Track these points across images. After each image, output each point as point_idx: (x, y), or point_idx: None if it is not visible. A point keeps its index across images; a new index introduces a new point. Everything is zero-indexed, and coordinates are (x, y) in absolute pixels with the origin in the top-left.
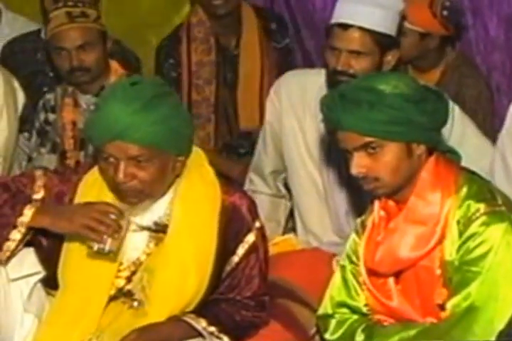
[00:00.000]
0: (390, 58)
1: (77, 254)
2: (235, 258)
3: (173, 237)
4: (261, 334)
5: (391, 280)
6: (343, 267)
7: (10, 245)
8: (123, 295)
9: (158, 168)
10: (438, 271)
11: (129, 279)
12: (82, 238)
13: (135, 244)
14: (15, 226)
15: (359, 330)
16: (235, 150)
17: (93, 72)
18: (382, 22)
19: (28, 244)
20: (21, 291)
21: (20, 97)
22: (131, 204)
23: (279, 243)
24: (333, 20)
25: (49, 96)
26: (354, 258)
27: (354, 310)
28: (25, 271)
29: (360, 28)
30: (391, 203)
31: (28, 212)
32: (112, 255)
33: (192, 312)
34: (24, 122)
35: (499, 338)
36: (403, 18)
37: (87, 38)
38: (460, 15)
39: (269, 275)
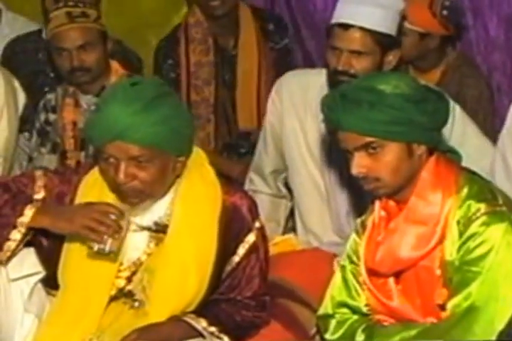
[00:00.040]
0: (391, 58)
1: (78, 254)
2: (236, 258)
3: (174, 237)
4: (261, 334)
5: (391, 280)
6: (343, 267)
7: (10, 245)
8: (123, 295)
9: (159, 169)
10: (438, 271)
11: (129, 279)
12: (83, 238)
13: (135, 244)
14: (15, 227)
15: (359, 330)
16: (235, 150)
17: (94, 72)
18: (383, 22)
19: (28, 244)
20: (21, 291)
21: (21, 97)
22: (131, 204)
23: (279, 243)
24: (334, 20)
25: (50, 96)
26: (354, 258)
27: (354, 310)
28: (26, 271)
29: (361, 28)
30: (391, 203)
31: (29, 212)
32: (113, 255)
33: (192, 312)
34: (25, 122)
35: (499, 338)
36: (403, 17)
37: (87, 38)
38: (460, 15)
39: (269, 275)
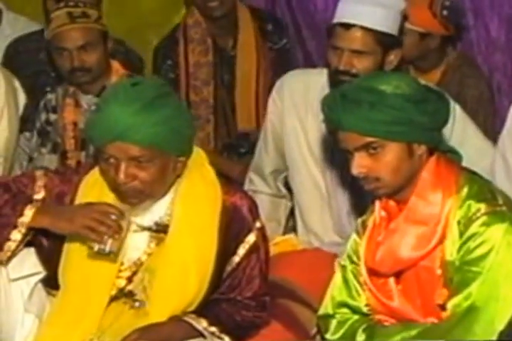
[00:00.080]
0: (392, 58)
1: (78, 255)
2: (236, 259)
3: (174, 237)
4: (262, 334)
5: (392, 280)
6: (343, 267)
7: (10, 245)
8: (124, 295)
9: (159, 169)
10: (439, 271)
11: (130, 279)
12: (83, 238)
13: (136, 244)
14: (15, 227)
15: (360, 330)
16: (235, 150)
17: (94, 73)
18: (384, 21)
19: (28, 244)
20: (22, 291)
21: (21, 97)
22: (131, 204)
23: (279, 243)
24: (335, 20)
25: (50, 96)
26: (355, 258)
27: (355, 310)
28: (26, 271)
29: (362, 28)
30: (392, 203)
31: (29, 212)
32: (113, 255)
33: (193, 312)
34: (26, 122)
35: (499, 338)
36: (405, 17)
37: (88, 38)
38: (460, 15)
39: (269, 275)
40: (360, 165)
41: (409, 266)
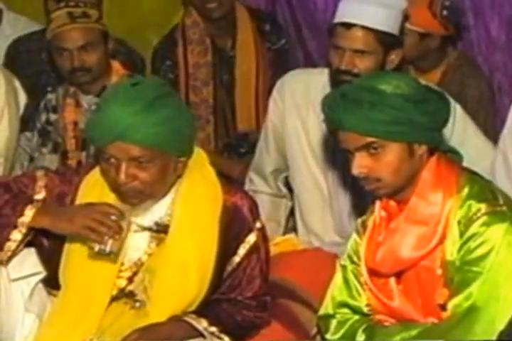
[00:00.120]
0: (394, 57)
1: (78, 255)
2: (236, 259)
3: (175, 237)
4: (262, 334)
5: (392, 280)
6: (344, 267)
7: (11, 245)
8: (125, 295)
9: (160, 169)
10: (439, 271)
11: (130, 280)
12: (83, 239)
13: (136, 244)
14: (15, 227)
15: (360, 330)
16: (235, 150)
17: (94, 73)
18: (385, 21)
19: (29, 245)
20: (22, 291)
21: (22, 97)
22: (132, 205)
23: (280, 243)
24: (337, 20)
25: (50, 96)
26: (355, 259)
27: (355, 310)
28: (27, 271)
29: (364, 27)
30: (392, 203)
31: (29, 213)
32: (113, 256)
33: (193, 312)
34: (27, 122)
35: (500, 338)
36: (406, 17)
37: (88, 39)
38: (460, 15)
39: (270, 275)
40: (360, 165)
41: (409, 266)
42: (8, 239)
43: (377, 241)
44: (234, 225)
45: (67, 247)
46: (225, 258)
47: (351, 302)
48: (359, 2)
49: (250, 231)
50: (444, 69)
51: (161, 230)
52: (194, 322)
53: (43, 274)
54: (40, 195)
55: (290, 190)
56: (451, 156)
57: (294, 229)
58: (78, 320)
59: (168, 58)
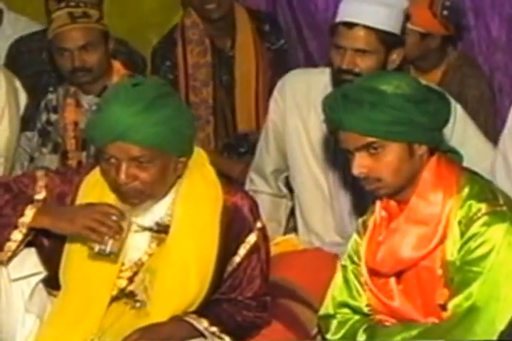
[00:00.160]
0: (395, 57)
1: (79, 255)
2: (237, 259)
3: (175, 238)
4: (262, 334)
5: (392, 280)
6: (344, 267)
7: (11, 245)
8: (125, 295)
9: (160, 169)
10: (439, 271)
11: (131, 280)
12: (84, 239)
13: (137, 244)
14: (16, 227)
15: (361, 330)
16: (235, 150)
17: (95, 73)
18: (387, 20)
19: (29, 245)
20: (22, 291)
21: (22, 97)
22: (132, 205)
23: (280, 243)
24: (338, 19)
25: (51, 96)
26: (355, 259)
27: (356, 310)
28: (27, 272)
29: (365, 27)
30: (392, 203)
31: (29, 213)
32: (113, 256)
33: (194, 312)
34: (28, 122)
35: (500, 338)
36: (407, 17)
37: (89, 39)
38: (460, 15)
39: (270, 275)
40: (360, 165)
41: (409, 266)
42: (9, 239)
43: (377, 241)
44: (234, 225)
45: (68, 247)
46: (225, 258)
47: (352, 302)
48: (361, 1)
49: (251, 231)
50: (444, 69)
51: (161, 230)
52: (195, 322)
53: (44, 274)
54: (40, 195)
55: (290, 190)
56: (452, 156)
57: (295, 229)
58: (78, 320)
59: (167, 59)
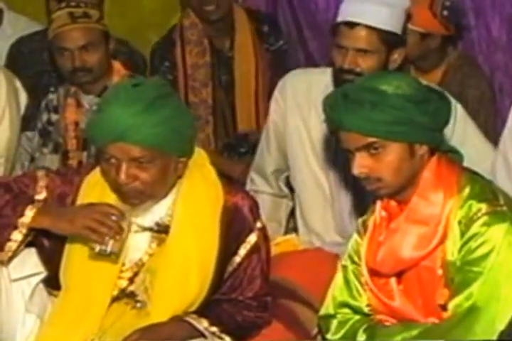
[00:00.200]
0: (397, 56)
1: (79, 255)
2: (237, 259)
3: (175, 238)
4: (263, 334)
5: (393, 280)
6: (344, 267)
7: (11, 246)
8: (125, 295)
9: (160, 169)
10: (440, 271)
11: (131, 280)
12: (84, 239)
13: (137, 244)
14: (16, 227)
15: (361, 330)
16: (235, 150)
17: (95, 73)
18: (389, 20)
19: (30, 245)
20: (23, 291)
21: (23, 98)
22: (132, 205)
23: (280, 243)
24: (340, 19)
25: (52, 96)
26: (356, 259)
27: (356, 310)
28: (27, 272)
29: (367, 27)
30: (393, 203)
31: (29, 213)
32: (114, 256)
33: (194, 312)
34: (28, 122)
35: (500, 338)
36: (409, 16)
37: (89, 39)
38: (460, 15)
39: (271, 275)
40: (361, 165)
41: (410, 266)
42: (9, 240)
43: (377, 241)
44: (235, 225)
45: (68, 247)
46: (225, 258)
47: (352, 302)
48: (362, 1)
49: (251, 231)
50: (444, 69)
51: (161, 230)
52: (195, 323)
53: (44, 274)
54: (40, 196)
55: (291, 189)
56: (452, 156)
57: (295, 229)
58: (79, 320)
59: (166, 59)
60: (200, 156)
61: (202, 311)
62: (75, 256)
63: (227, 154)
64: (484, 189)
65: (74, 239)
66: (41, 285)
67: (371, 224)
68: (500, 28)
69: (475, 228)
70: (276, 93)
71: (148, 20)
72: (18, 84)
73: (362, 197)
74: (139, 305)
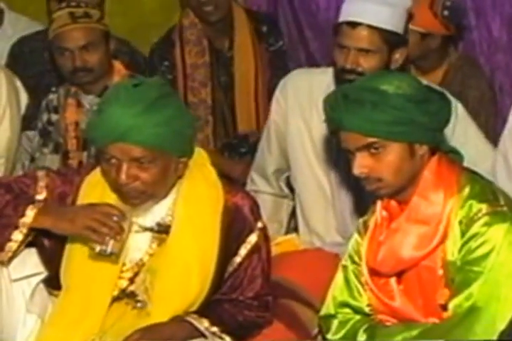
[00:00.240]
0: (398, 56)
1: (80, 256)
2: (238, 259)
3: (176, 238)
4: (263, 334)
5: (393, 280)
6: (345, 267)
7: (12, 246)
8: (126, 296)
9: (161, 170)
10: (440, 271)
11: (132, 280)
12: (84, 239)
13: (138, 244)
14: (17, 227)
15: (361, 330)
16: (236, 150)
17: (96, 73)
18: (390, 20)
19: (30, 245)
20: (23, 291)
21: (23, 97)
22: (133, 205)
23: (281, 243)
24: (342, 19)
25: (52, 96)
26: (356, 259)
27: (356, 310)
28: (28, 272)
29: (369, 26)
30: (393, 203)
31: (30, 213)
32: (114, 257)
33: (195, 312)
34: (29, 122)
35: (500, 338)
36: (410, 16)
37: (90, 39)
38: (461, 15)
39: (271, 275)
40: (361, 165)
41: (410, 265)
42: (10, 240)
43: (378, 241)
44: (235, 225)
45: (69, 248)
46: (226, 258)
47: (352, 302)
48: (364, 1)
49: (251, 231)
50: (445, 69)
51: (162, 230)
52: (196, 322)
53: (44, 274)
54: (41, 196)
55: (292, 189)
56: (453, 156)
57: (296, 229)
58: (79, 320)
59: (165, 59)
60: (200, 156)
61: (202, 311)
62: (75, 256)
63: (228, 154)
64: (484, 189)
65: (74, 239)
66: (42, 285)
67: (372, 224)
68: (501, 28)
69: (475, 228)
70: (277, 93)
71: (148, 20)
72: (19, 83)
73: (363, 197)
74: (139, 305)
